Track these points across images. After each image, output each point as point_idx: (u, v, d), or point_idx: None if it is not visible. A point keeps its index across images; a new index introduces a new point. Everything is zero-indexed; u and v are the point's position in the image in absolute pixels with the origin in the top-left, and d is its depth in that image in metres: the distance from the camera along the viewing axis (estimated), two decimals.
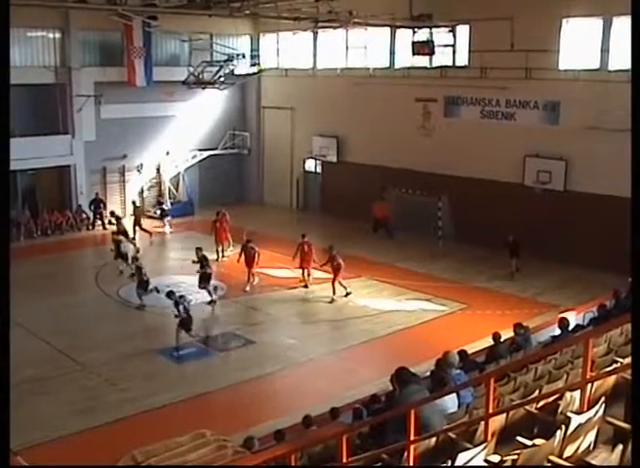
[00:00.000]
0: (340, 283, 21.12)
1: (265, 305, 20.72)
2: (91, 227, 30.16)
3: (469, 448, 6.07)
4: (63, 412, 13.96)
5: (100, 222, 30.12)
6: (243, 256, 22.28)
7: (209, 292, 20.43)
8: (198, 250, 21.06)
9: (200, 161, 33.22)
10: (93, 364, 16.34)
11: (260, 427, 12.55)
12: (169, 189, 32.67)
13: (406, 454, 6.54)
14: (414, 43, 26.39)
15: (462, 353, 11.81)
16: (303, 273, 22.33)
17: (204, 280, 20.54)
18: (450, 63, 27.15)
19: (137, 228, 27.58)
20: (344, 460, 7.13)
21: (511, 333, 13.65)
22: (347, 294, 21.07)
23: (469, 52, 26.33)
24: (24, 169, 27.76)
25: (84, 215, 30.32)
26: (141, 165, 32.34)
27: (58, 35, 29.45)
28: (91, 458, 11.76)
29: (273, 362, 16.66)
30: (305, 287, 22.11)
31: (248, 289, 21.76)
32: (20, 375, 14.37)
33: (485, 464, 5.83)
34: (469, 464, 5.78)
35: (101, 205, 30.43)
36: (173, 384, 15.45)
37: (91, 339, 18.02)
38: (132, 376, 15.65)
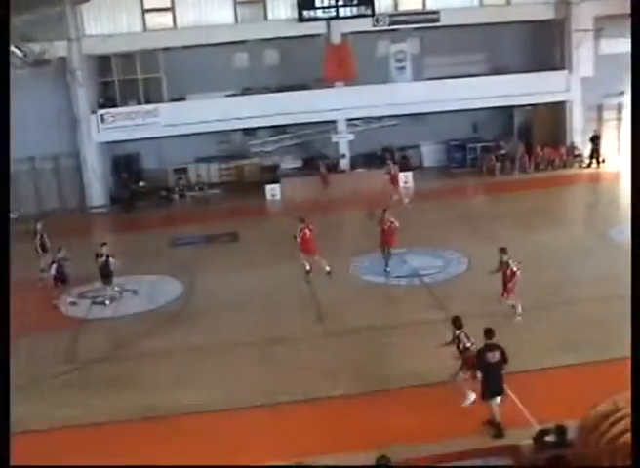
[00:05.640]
0: None
1: None
2: (584, 165, 29.82)
3: None
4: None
5: (594, 160, 29.68)
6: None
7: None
8: None
9: None
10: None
11: None
12: None
13: None
14: None
15: None
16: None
17: None
18: None
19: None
20: None
21: None
22: None
23: None
24: (520, 104, 28.32)
25: (576, 153, 30.01)
26: None
27: None
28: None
29: None
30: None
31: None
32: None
33: None
34: None
35: (598, 142, 29.74)
36: None
37: (578, 277, 17.52)
38: None
